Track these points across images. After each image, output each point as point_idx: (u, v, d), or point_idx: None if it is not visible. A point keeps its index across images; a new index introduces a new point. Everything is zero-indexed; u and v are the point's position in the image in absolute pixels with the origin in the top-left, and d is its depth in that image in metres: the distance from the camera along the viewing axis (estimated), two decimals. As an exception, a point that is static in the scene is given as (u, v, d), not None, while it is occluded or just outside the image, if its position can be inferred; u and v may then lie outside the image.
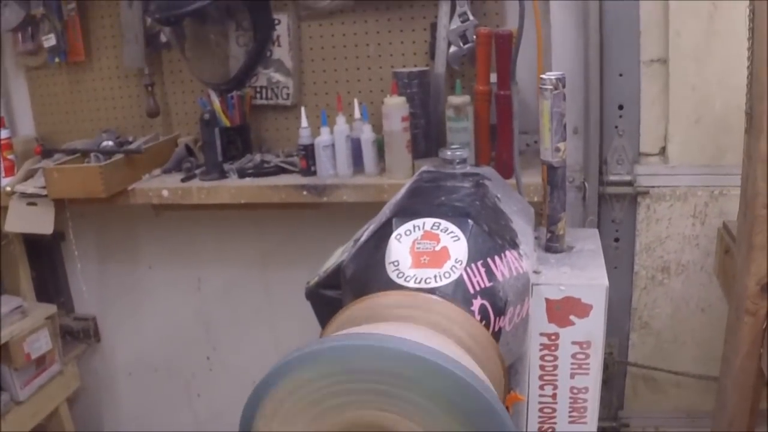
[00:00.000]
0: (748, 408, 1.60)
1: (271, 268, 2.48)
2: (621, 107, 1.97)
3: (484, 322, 0.92)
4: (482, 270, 0.95)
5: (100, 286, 2.69)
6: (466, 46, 2.01)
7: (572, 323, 1.09)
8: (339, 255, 1.07)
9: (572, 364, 1.12)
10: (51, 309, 2.49)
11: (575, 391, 1.13)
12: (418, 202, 1.07)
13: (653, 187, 1.98)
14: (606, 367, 1.87)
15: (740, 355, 1.54)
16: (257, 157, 2.24)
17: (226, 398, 2.65)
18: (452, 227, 0.98)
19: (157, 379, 2.75)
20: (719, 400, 1.67)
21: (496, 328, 0.94)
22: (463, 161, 1.21)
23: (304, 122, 2.07)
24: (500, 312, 0.95)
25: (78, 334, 2.72)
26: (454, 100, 1.91)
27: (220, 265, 2.53)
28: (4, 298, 2.38)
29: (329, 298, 1.05)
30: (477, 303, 0.92)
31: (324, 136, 2.05)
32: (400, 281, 0.92)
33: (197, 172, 2.21)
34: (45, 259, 2.67)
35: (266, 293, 2.51)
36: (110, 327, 2.74)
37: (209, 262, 2.54)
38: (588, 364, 1.12)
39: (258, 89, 2.30)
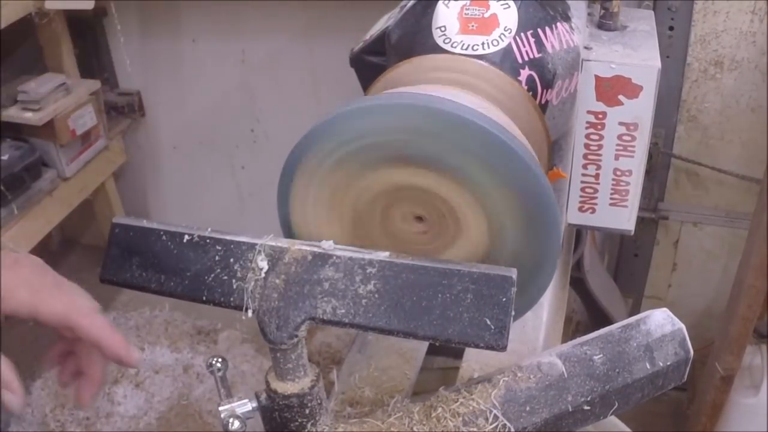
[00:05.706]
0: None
1: (316, 39, 2.42)
2: None
3: (530, 94, 0.90)
4: (532, 40, 0.92)
5: (143, 60, 2.66)
6: None
7: (621, 103, 1.07)
8: (384, 21, 1.04)
9: (618, 145, 1.10)
10: (95, 85, 2.47)
11: (618, 173, 1.13)
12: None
13: (712, -25, 1.88)
14: (650, 157, 1.85)
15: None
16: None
17: (270, 170, 2.66)
18: (503, -6, 0.94)
19: (201, 152, 2.77)
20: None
21: (543, 101, 0.93)
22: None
23: None
24: (548, 84, 0.93)
25: (123, 109, 2.72)
26: None
27: (264, 36, 2.47)
28: (47, 75, 2.34)
29: (374, 64, 1.03)
30: (525, 73, 0.90)
31: None
32: (447, 46, 0.90)
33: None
34: (87, 36, 2.63)
35: (311, 64, 2.46)
36: (154, 101, 2.74)
37: (253, 33, 2.48)
38: (633, 146, 1.10)
39: None
